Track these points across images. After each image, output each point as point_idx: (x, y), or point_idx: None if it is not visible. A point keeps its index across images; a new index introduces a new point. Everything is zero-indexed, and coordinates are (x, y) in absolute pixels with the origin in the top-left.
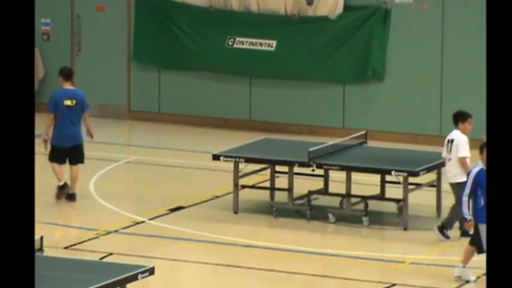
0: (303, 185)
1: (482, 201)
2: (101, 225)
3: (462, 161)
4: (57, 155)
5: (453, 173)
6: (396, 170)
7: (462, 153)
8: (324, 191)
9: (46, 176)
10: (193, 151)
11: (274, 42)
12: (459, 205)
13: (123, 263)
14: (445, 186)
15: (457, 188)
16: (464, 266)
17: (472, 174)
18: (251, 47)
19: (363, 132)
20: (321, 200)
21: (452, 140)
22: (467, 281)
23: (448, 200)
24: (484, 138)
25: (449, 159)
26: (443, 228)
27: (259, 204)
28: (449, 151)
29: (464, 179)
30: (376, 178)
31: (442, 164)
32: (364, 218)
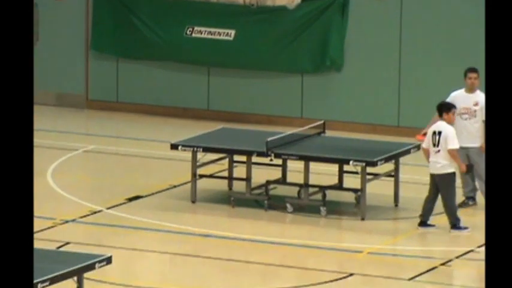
0: (261, 174)
1: None
2: (58, 215)
3: (453, 153)
4: None
5: (441, 164)
6: (354, 160)
7: (452, 145)
8: (282, 181)
9: None
10: (151, 140)
11: (232, 32)
12: (447, 195)
13: (80, 252)
14: (403, 177)
15: (446, 178)
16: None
17: None
18: (210, 36)
19: (321, 122)
20: (279, 190)
21: (440, 132)
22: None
23: (406, 191)
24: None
25: (438, 151)
26: (425, 223)
27: (217, 194)
28: (437, 143)
29: (452, 169)
30: (334, 168)
31: (400, 154)
32: (322, 208)
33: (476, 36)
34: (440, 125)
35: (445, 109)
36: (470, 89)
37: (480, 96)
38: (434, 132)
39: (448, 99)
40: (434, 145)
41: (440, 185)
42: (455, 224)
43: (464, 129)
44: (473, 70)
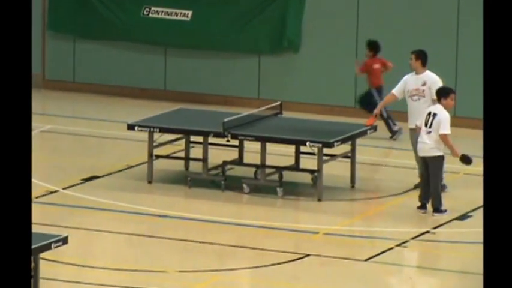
0: (218, 155)
1: None
2: None
3: (444, 138)
4: None
5: (430, 147)
6: (311, 141)
7: (444, 130)
8: (239, 162)
9: None
10: (108, 121)
11: (189, 12)
12: (434, 179)
13: (36, 232)
14: (359, 158)
15: (433, 161)
16: None
17: None
18: (167, 16)
19: (278, 103)
20: (236, 171)
21: (435, 114)
22: None
23: (362, 172)
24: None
25: (429, 132)
26: (423, 206)
27: (174, 174)
28: (430, 124)
29: (440, 153)
30: (291, 149)
31: (357, 135)
32: (278, 189)
33: (431, 18)
34: (437, 108)
35: (443, 94)
36: (414, 71)
37: (428, 76)
38: (429, 113)
39: (401, 83)
40: (426, 125)
41: (430, 167)
42: (438, 208)
43: (415, 110)
44: (412, 52)
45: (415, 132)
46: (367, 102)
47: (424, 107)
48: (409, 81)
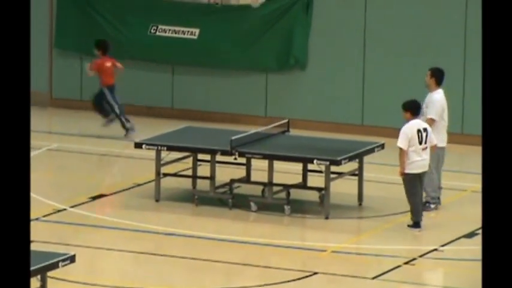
0: (225, 173)
1: None
2: None
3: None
4: None
5: (427, 161)
6: (318, 159)
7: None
8: (246, 180)
9: None
10: (115, 139)
11: (197, 31)
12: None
13: (43, 250)
14: (367, 176)
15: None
16: None
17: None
18: (174, 35)
19: (286, 120)
20: (243, 189)
21: (425, 129)
22: None
23: (370, 189)
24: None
25: (425, 148)
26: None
27: (181, 193)
28: (425, 140)
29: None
30: (298, 167)
31: (364, 153)
32: (285, 207)
33: (439, 37)
34: (421, 123)
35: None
36: (427, 87)
37: (430, 96)
38: (419, 130)
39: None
40: (420, 143)
41: (423, 180)
42: (418, 222)
43: None
44: (429, 69)
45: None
46: (99, 101)
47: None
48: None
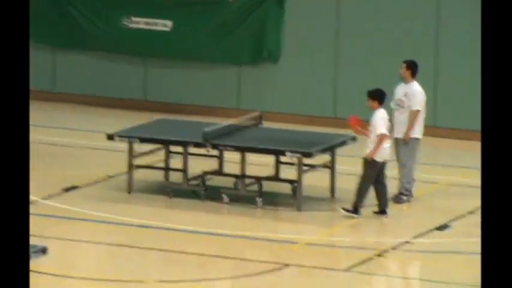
0: (198, 165)
1: None
2: None
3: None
4: None
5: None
6: (290, 151)
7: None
8: (219, 172)
9: None
10: (88, 131)
11: (169, 23)
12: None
13: None
14: (339, 168)
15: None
16: None
17: None
18: (147, 27)
19: (258, 113)
20: (216, 181)
21: (389, 119)
22: None
23: (342, 182)
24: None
25: (390, 138)
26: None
27: (154, 185)
28: (390, 130)
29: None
30: (271, 159)
31: (336, 145)
32: (258, 199)
33: (412, 30)
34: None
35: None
36: (402, 80)
37: (410, 87)
38: (388, 119)
39: (394, 93)
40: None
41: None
42: (358, 209)
43: (396, 120)
44: (404, 61)
45: (398, 142)
46: None
47: (402, 118)
48: (396, 91)
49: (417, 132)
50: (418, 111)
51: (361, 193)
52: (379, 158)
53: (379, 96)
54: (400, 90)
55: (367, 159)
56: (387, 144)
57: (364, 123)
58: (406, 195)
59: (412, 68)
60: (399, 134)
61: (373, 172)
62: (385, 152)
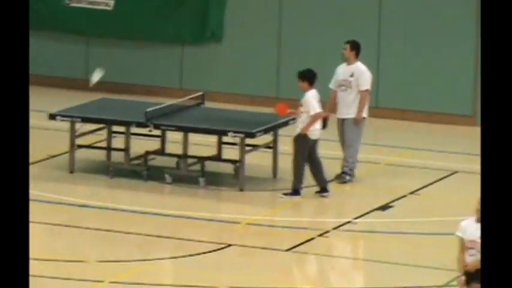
0: (140, 145)
1: None
2: None
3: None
4: None
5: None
6: (233, 131)
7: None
8: (161, 152)
9: None
10: (30, 110)
11: (112, 2)
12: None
13: None
14: (281, 148)
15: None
16: None
17: None
18: (89, 6)
19: (201, 93)
20: (158, 161)
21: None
22: None
23: (284, 162)
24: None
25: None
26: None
27: (96, 164)
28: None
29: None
30: (213, 139)
31: (279, 126)
32: (200, 179)
33: (355, 10)
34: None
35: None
36: (345, 60)
37: (356, 67)
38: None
39: (334, 74)
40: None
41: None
42: (298, 190)
43: (342, 100)
44: (346, 42)
45: (342, 123)
46: None
47: (350, 98)
48: (339, 72)
49: (365, 112)
50: (368, 90)
51: (297, 172)
52: (311, 135)
53: (309, 77)
54: (345, 70)
55: (297, 138)
56: (318, 125)
57: (297, 104)
58: (350, 174)
59: (356, 48)
60: (347, 114)
61: (304, 149)
62: (317, 132)
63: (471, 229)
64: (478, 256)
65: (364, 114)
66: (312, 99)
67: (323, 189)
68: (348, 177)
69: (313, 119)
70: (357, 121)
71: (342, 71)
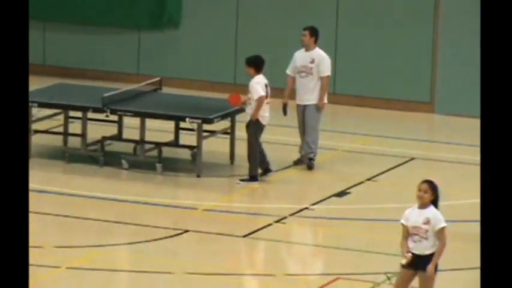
0: (97, 130)
1: None
2: None
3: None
4: None
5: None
6: (190, 117)
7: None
8: (118, 137)
9: None
10: None
11: None
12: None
13: None
14: (239, 135)
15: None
16: None
17: None
18: None
19: (158, 78)
20: (115, 146)
21: (266, 85)
22: None
23: (242, 148)
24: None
25: (268, 103)
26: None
27: (52, 150)
28: (269, 95)
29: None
30: (171, 125)
31: (236, 112)
32: (157, 165)
33: None
34: (264, 78)
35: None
36: (304, 47)
37: (316, 54)
38: (266, 85)
39: (292, 60)
40: (267, 97)
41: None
42: (256, 176)
43: (302, 87)
44: (304, 29)
45: (302, 109)
46: None
47: (311, 85)
48: (298, 58)
49: (325, 98)
50: (329, 76)
51: (253, 159)
52: (262, 121)
53: (256, 64)
54: (305, 56)
55: (249, 124)
56: (267, 111)
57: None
58: (314, 159)
59: (315, 34)
60: (308, 101)
61: (257, 134)
62: (267, 118)
63: (414, 216)
64: (423, 242)
65: (325, 100)
66: (256, 85)
67: (266, 170)
68: (314, 162)
69: (258, 103)
70: (319, 107)
71: (301, 57)
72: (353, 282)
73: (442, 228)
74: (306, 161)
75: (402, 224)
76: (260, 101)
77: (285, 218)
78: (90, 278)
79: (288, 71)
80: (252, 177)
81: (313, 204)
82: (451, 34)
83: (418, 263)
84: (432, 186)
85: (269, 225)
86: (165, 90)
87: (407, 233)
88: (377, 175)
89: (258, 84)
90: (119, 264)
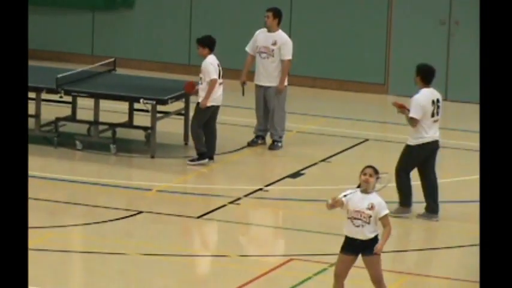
0: (51, 111)
1: None
2: None
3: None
4: None
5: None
6: (145, 98)
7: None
8: (72, 118)
9: None
10: None
11: None
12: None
13: None
14: (192, 115)
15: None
16: None
17: None
18: None
19: (112, 59)
20: (69, 127)
21: (219, 64)
22: None
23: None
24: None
25: (221, 83)
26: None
27: None
28: (222, 75)
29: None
30: (125, 106)
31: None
32: (111, 146)
33: None
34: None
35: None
36: (267, 28)
37: (279, 36)
38: (218, 65)
39: (253, 39)
40: (219, 77)
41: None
42: (204, 153)
43: (262, 68)
44: (268, 10)
45: (263, 91)
46: None
47: (272, 67)
48: (260, 38)
49: (286, 80)
50: (290, 60)
51: (195, 137)
52: (212, 102)
53: (209, 44)
54: (267, 37)
55: (197, 108)
56: (219, 91)
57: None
58: (280, 141)
59: (279, 16)
60: (269, 83)
61: (204, 117)
62: (218, 97)
63: (356, 199)
64: (366, 227)
65: (285, 83)
66: (210, 65)
67: (209, 158)
68: (279, 145)
69: (210, 86)
70: (280, 90)
71: (263, 37)
72: (307, 263)
73: (386, 215)
74: (274, 145)
75: (341, 201)
76: (212, 84)
77: (239, 199)
78: (42, 259)
79: (248, 49)
80: (200, 155)
81: (268, 185)
82: (405, 16)
83: (362, 248)
84: (376, 171)
85: (223, 206)
86: (119, 71)
87: (339, 207)
88: (331, 156)
89: (211, 64)
90: (72, 246)
